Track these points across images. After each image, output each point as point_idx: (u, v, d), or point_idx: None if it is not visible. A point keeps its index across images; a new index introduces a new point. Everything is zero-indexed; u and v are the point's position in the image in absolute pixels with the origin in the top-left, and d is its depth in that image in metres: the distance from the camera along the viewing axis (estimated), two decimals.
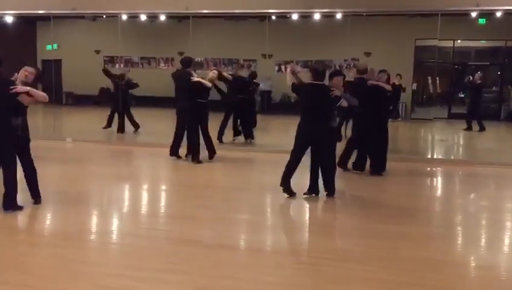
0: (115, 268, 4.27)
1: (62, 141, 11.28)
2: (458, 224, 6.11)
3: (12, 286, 3.86)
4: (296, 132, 6.58)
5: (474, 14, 12.67)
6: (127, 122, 12.59)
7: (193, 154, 8.87)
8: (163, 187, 7.82)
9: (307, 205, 6.50)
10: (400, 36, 16.21)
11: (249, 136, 11.19)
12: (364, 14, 12.13)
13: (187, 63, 8.93)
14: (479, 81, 14.52)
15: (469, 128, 14.37)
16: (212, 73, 9.42)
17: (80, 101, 18.92)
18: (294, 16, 13.70)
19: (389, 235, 5.31)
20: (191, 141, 8.91)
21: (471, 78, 14.91)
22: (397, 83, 15.66)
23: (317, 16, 13.39)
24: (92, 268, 4.27)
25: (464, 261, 4.77)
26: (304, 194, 6.64)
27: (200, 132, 8.87)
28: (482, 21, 15.11)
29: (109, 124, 12.74)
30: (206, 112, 8.84)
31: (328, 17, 14.58)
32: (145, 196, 7.19)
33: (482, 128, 14.27)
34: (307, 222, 6.07)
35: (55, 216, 5.95)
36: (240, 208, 6.35)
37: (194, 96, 8.63)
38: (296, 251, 4.82)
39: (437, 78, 17.03)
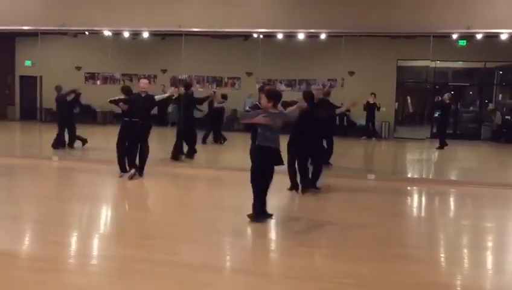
0: None
1: (47, 160, 10.98)
2: (454, 246, 6.07)
3: None
4: None
5: (455, 36, 12.94)
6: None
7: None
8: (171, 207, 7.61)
9: (297, 225, 6.39)
10: (382, 56, 16.44)
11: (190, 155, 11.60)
12: (358, 35, 12.18)
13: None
14: (448, 101, 14.87)
15: (444, 145, 14.60)
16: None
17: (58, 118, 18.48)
18: (280, 36, 13.75)
19: (395, 258, 5.23)
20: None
21: (439, 98, 15.22)
22: (371, 102, 15.83)
23: (301, 36, 13.54)
24: None
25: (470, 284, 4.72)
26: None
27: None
28: (462, 43, 15.43)
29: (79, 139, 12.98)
30: (129, 129, 9.13)
31: (312, 37, 14.71)
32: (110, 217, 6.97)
33: (442, 145, 14.50)
34: (309, 243, 5.88)
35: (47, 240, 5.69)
36: (223, 228, 6.17)
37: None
38: (312, 275, 4.62)
39: (425, 97, 17.24)
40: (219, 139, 14.87)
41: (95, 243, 5.64)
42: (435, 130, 17.72)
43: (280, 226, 6.40)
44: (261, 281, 4.53)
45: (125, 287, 4.25)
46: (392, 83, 17.01)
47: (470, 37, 14.03)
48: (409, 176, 11.08)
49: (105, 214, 7.14)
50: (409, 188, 9.36)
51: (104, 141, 12.53)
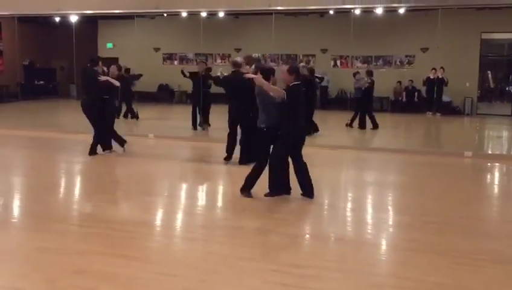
0: (275, 264, 4.13)
1: (144, 137, 11.35)
2: None
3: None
4: None
5: None
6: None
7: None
8: None
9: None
10: (464, 30, 15.71)
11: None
12: (455, 7, 11.72)
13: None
14: None
15: None
16: None
17: (139, 98, 19.20)
18: (357, 11, 13.49)
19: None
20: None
21: None
22: (440, 76, 15.25)
23: (379, 11, 13.31)
24: (256, 264, 4.13)
25: None
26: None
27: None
28: None
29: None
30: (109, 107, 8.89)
31: (390, 12, 14.27)
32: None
33: None
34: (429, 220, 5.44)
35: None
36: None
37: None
38: (447, 251, 4.49)
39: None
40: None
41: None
42: None
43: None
44: (393, 255, 4.55)
45: None
46: (475, 57, 16.24)
47: None
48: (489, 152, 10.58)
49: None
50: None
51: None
